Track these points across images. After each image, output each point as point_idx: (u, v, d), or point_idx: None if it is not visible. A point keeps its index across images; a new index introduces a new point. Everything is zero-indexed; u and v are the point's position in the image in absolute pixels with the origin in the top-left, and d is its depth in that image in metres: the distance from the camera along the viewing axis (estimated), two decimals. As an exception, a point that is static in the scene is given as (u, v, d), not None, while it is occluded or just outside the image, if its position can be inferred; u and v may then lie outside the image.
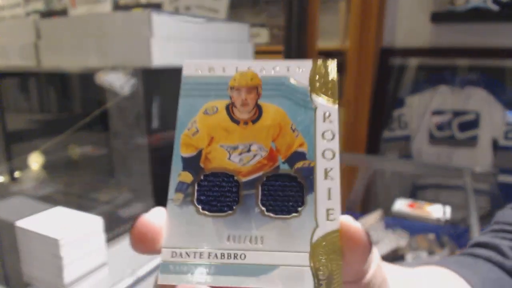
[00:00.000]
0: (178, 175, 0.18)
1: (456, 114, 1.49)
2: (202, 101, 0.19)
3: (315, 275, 0.16)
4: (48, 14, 1.17)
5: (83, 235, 0.65)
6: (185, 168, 0.18)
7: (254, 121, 0.18)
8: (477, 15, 1.36)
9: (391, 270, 0.23)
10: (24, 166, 1.03)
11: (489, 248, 0.35)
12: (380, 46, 1.58)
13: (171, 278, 0.16)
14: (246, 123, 0.18)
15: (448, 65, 1.52)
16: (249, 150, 0.18)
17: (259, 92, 0.19)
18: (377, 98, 1.61)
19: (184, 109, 0.19)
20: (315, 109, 0.18)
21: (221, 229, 0.17)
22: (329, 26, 1.81)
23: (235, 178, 0.18)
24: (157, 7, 1.11)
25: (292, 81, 0.19)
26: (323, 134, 0.18)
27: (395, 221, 1.16)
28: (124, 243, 0.82)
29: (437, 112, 1.52)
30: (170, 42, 0.85)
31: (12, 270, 0.69)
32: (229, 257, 0.16)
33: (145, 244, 0.16)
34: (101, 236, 0.69)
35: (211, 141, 0.18)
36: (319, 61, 0.19)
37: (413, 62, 1.58)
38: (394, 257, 0.99)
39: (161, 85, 0.93)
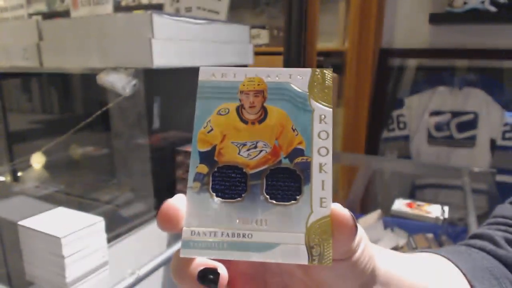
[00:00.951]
0: (196, 167, 0.20)
1: (455, 114, 1.49)
2: (216, 103, 0.21)
3: (310, 252, 0.19)
4: (50, 15, 1.18)
5: (85, 235, 0.66)
6: (201, 161, 0.21)
7: (260, 121, 0.21)
8: (475, 16, 1.37)
9: (381, 251, 0.25)
10: (26, 166, 1.04)
11: (483, 239, 0.37)
12: (379, 47, 1.59)
13: (191, 252, 0.19)
14: (253, 123, 0.21)
15: (446, 66, 1.53)
16: (255, 147, 0.21)
17: (265, 96, 0.21)
18: (376, 99, 1.62)
19: (200, 110, 0.21)
20: (312, 112, 0.21)
21: (232, 213, 0.20)
22: (329, 27, 1.81)
23: (244, 170, 0.20)
24: (158, 8, 1.12)
25: (294, 87, 0.21)
26: (319, 134, 0.20)
27: (394, 221, 1.17)
28: (125, 243, 0.82)
29: (436, 113, 1.52)
30: (171, 43, 0.86)
31: (14, 269, 0.70)
32: (239, 236, 0.19)
33: (168, 224, 0.19)
34: (103, 236, 0.70)
35: (223, 138, 0.21)
36: (317, 70, 0.22)
37: (412, 63, 1.58)
38: (393, 256, 1.00)
39: (162, 86, 0.94)
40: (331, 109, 0.21)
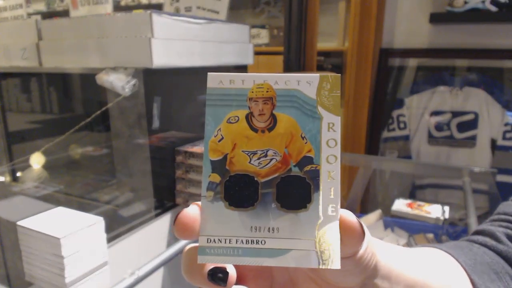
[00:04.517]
0: (208, 176, 0.21)
1: (455, 114, 1.49)
2: (225, 110, 0.22)
3: (320, 257, 0.20)
4: (49, 15, 1.18)
5: (85, 235, 0.66)
6: (213, 170, 0.21)
7: (270, 129, 0.21)
8: (475, 16, 1.37)
9: (382, 245, 0.26)
10: (25, 166, 1.03)
11: (484, 235, 0.38)
12: (379, 47, 1.59)
13: (207, 259, 0.20)
14: (263, 131, 0.21)
15: (447, 66, 1.53)
16: (266, 155, 0.21)
17: (274, 103, 0.21)
18: (376, 99, 1.62)
19: (210, 118, 0.21)
20: (321, 120, 0.21)
21: (245, 220, 0.20)
22: (329, 27, 1.81)
23: (255, 179, 0.21)
24: (158, 8, 1.12)
25: (302, 94, 0.21)
26: (327, 142, 0.21)
27: (394, 221, 1.17)
28: (125, 243, 0.82)
29: (436, 113, 1.52)
30: (171, 42, 0.86)
31: (13, 269, 0.70)
32: (252, 243, 0.20)
33: (185, 232, 0.21)
34: (102, 236, 0.70)
35: (234, 147, 0.21)
36: (325, 77, 0.22)
37: (412, 62, 1.58)
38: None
39: (162, 86, 0.94)
40: (339, 117, 0.21)
